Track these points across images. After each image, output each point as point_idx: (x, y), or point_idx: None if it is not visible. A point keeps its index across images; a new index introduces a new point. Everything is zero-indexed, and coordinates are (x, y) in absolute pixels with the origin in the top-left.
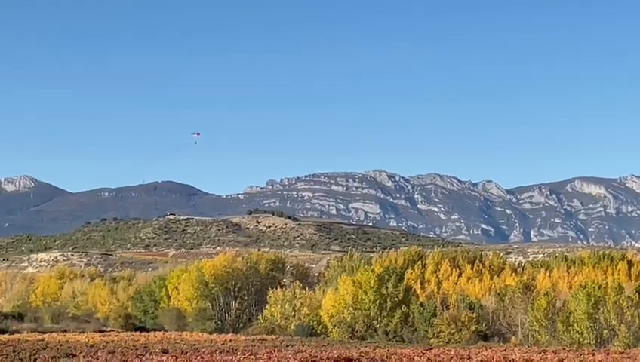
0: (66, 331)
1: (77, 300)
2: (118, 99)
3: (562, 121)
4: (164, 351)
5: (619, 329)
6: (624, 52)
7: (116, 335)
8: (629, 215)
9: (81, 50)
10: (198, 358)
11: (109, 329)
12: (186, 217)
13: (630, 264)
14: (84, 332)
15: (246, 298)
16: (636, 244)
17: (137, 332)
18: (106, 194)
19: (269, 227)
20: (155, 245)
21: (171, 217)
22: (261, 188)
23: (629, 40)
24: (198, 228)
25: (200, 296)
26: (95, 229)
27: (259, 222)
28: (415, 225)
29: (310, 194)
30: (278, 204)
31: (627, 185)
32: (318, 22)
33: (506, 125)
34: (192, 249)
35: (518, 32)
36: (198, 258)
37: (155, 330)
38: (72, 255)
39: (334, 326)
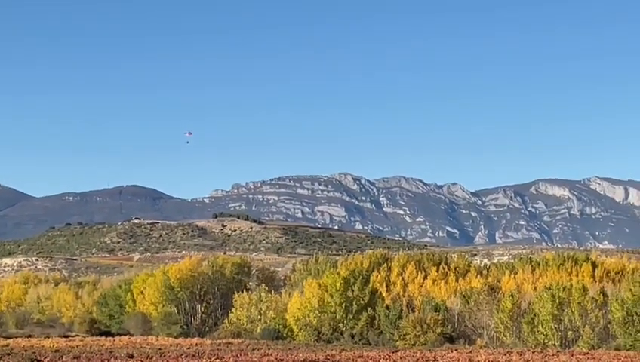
0: (30, 336)
1: (41, 305)
2: (81, 103)
3: (526, 123)
4: (130, 356)
5: (583, 331)
6: (590, 56)
7: (81, 340)
8: (592, 216)
9: (43, 53)
10: None
11: (74, 334)
12: (151, 221)
13: (594, 265)
14: (48, 338)
15: (212, 302)
16: (600, 246)
17: (102, 337)
18: (71, 198)
19: (235, 231)
20: (120, 249)
21: (136, 221)
22: (227, 191)
23: (600, 42)
24: (164, 232)
25: (165, 300)
26: (60, 234)
27: (224, 226)
28: (380, 228)
29: (276, 198)
30: (243, 207)
31: (591, 186)
32: (283, 26)
33: (471, 127)
34: (157, 253)
35: (482, 33)
36: (164, 262)
37: (120, 335)
38: (37, 260)
39: (300, 329)
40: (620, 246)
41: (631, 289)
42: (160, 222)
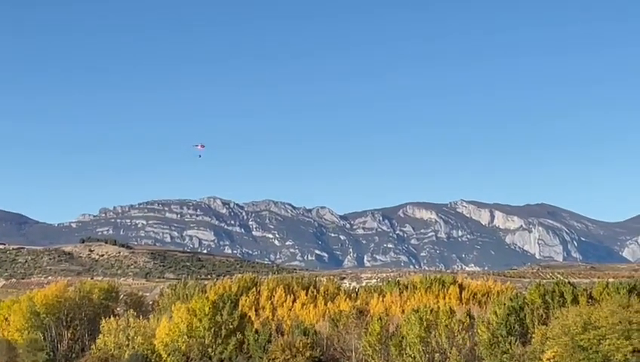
0: None
1: None
2: None
3: (393, 148)
4: None
5: (450, 352)
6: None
7: None
8: (459, 239)
9: None
10: None
11: None
12: (16, 246)
13: (461, 288)
14: None
15: (79, 328)
16: (467, 268)
17: None
18: None
19: (102, 255)
20: None
21: (1, 247)
22: (94, 216)
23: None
24: (29, 258)
25: (31, 326)
26: None
27: (92, 251)
28: (250, 252)
29: (144, 222)
30: (111, 232)
31: (457, 210)
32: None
33: (338, 151)
34: (23, 279)
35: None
36: (30, 288)
37: None
38: None
39: (169, 354)
40: (486, 268)
41: (496, 311)
42: (26, 247)
